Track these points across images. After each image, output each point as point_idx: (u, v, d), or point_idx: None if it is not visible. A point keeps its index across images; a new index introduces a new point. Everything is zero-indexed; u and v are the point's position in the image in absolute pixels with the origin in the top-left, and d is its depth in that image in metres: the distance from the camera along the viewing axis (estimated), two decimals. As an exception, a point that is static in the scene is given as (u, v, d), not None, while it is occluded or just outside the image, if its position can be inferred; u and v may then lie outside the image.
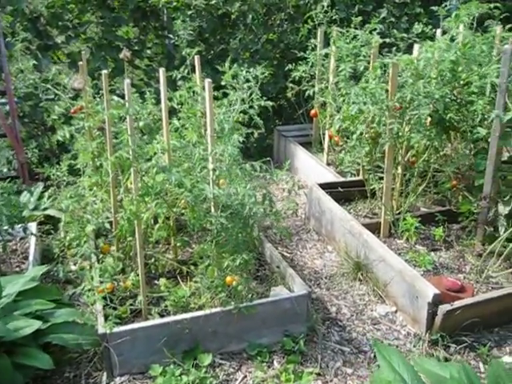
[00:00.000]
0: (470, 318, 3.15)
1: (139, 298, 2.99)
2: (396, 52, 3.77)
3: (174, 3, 5.26)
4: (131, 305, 3.01)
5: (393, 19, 5.96)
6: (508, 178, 3.81)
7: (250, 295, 2.95)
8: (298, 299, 3.08)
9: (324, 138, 5.39)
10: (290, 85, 5.45)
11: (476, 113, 3.60)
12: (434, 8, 4.24)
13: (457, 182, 4.07)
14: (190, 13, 5.29)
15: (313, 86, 5.38)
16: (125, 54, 3.74)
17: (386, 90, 3.66)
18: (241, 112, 3.14)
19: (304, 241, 4.37)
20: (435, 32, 4.39)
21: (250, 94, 3.34)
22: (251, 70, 3.10)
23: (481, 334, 3.25)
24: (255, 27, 5.89)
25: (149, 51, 5.66)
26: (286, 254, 4.13)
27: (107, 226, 3.52)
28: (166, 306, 3.04)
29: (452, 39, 4.02)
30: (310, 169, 5.39)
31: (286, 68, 5.24)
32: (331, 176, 4.98)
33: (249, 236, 2.92)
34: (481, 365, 3.06)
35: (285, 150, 5.95)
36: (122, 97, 3.93)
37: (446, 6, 3.99)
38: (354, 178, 4.64)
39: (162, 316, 3.00)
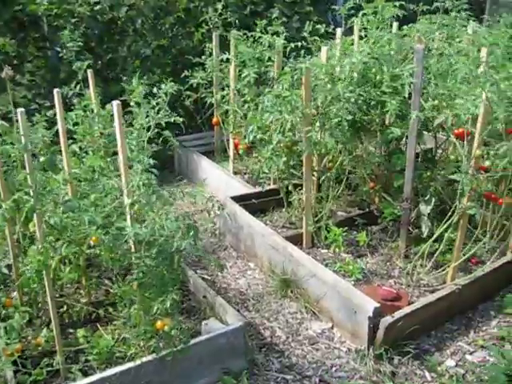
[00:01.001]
0: (411, 326, 3.05)
1: (57, 357, 2.58)
2: (305, 55, 3.60)
3: (55, 10, 4.76)
4: (47, 365, 2.60)
5: (285, 19, 5.82)
6: (423, 175, 3.77)
7: (183, 336, 2.64)
8: (235, 332, 2.82)
9: (228, 147, 5.15)
10: (187, 92, 5.16)
11: (389, 113, 3.51)
12: (336, 7, 4.12)
13: (374, 184, 3.98)
14: (73, 21, 4.82)
15: (211, 92, 5.13)
16: (7, 72, 3.27)
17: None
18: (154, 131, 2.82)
19: (223, 259, 4.10)
20: (335, 31, 4.26)
21: (158, 111, 3.03)
22: (162, 86, 2.79)
23: (420, 340, 3.18)
24: (146, 31, 5.51)
25: (30, 65, 5.12)
26: (206, 276, 3.85)
27: (5, 271, 3.11)
28: (88, 361, 2.67)
29: (359, 38, 3.92)
30: (217, 179, 5.12)
31: (182, 75, 4.94)
32: (239, 185, 4.76)
33: (175, 272, 2.61)
34: (427, 373, 2.97)
35: (187, 161, 5.64)
36: (4, 118, 3.46)
37: (349, 4, 3.87)
38: (267, 188, 4.45)
39: (84, 373, 2.62)
